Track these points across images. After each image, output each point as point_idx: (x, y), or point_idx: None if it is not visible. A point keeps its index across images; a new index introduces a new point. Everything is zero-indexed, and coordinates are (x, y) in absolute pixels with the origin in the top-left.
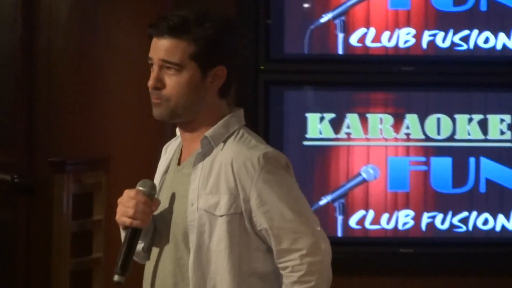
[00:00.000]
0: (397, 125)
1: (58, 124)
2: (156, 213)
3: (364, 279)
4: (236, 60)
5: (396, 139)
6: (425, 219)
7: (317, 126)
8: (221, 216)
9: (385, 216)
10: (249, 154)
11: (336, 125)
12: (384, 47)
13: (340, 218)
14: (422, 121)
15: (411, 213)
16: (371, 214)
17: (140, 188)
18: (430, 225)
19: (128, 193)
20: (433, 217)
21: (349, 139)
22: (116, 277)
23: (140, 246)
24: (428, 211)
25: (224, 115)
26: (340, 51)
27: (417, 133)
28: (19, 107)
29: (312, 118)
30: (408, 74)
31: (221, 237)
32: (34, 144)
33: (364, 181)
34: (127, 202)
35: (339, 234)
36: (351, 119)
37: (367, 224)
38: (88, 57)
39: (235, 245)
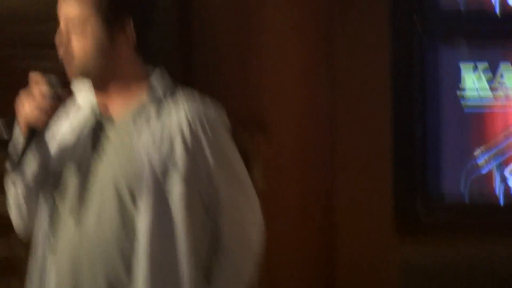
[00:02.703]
0: None
1: (214, 83)
2: (74, 167)
3: None
4: (147, 12)
5: None
6: None
7: (472, 79)
8: (177, 173)
9: None
10: (204, 112)
11: (492, 78)
12: None
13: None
14: None
15: None
16: None
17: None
18: None
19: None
20: None
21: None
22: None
23: (30, 170)
24: None
25: (144, 72)
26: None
27: None
28: (175, 64)
29: (466, 70)
30: None
31: (177, 196)
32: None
33: None
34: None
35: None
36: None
37: None
38: (245, 14)
39: (189, 204)
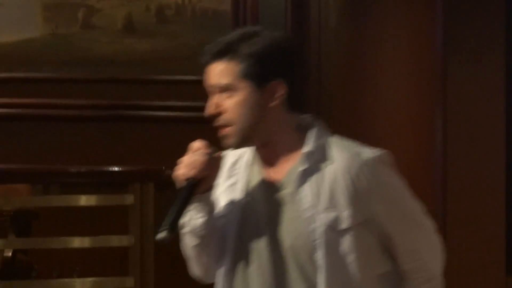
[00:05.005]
0: None
1: (328, 125)
2: (251, 235)
3: None
4: (296, 71)
5: None
6: None
7: None
8: (346, 229)
9: None
10: (360, 161)
11: None
12: None
13: None
14: None
15: None
16: None
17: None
18: None
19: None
20: None
21: None
22: (162, 234)
23: (198, 220)
24: None
25: (300, 126)
26: None
27: None
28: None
29: None
30: None
31: (349, 250)
32: None
33: None
34: (195, 156)
35: None
36: None
37: None
38: (358, 60)
39: (364, 254)
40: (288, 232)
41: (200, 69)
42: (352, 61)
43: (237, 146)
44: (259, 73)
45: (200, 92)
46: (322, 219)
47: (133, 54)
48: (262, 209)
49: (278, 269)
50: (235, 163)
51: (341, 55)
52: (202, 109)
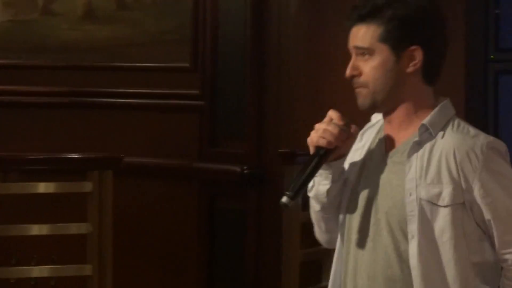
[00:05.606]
0: None
1: (288, 115)
2: (361, 195)
3: None
4: (437, 42)
5: None
6: None
7: None
8: (445, 206)
9: None
10: (471, 143)
11: None
12: None
13: None
14: None
15: None
16: None
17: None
18: None
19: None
20: None
21: None
22: (284, 199)
23: (322, 187)
24: None
25: (432, 103)
26: None
27: None
28: (249, 99)
29: None
30: None
31: (444, 228)
32: (264, 136)
33: None
34: (328, 125)
35: None
36: None
37: None
38: (317, 49)
39: (459, 235)
40: (387, 198)
41: (160, 56)
42: (311, 47)
43: (367, 108)
44: (397, 37)
45: (160, 79)
46: (422, 192)
47: (93, 41)
48: (373, 174)
49: (374, 233)
50: (366, 131)
51: (300, 40)
52: (161, 96)
